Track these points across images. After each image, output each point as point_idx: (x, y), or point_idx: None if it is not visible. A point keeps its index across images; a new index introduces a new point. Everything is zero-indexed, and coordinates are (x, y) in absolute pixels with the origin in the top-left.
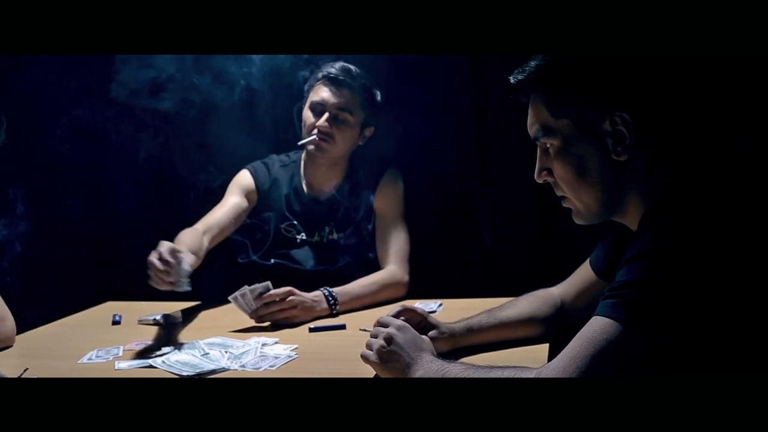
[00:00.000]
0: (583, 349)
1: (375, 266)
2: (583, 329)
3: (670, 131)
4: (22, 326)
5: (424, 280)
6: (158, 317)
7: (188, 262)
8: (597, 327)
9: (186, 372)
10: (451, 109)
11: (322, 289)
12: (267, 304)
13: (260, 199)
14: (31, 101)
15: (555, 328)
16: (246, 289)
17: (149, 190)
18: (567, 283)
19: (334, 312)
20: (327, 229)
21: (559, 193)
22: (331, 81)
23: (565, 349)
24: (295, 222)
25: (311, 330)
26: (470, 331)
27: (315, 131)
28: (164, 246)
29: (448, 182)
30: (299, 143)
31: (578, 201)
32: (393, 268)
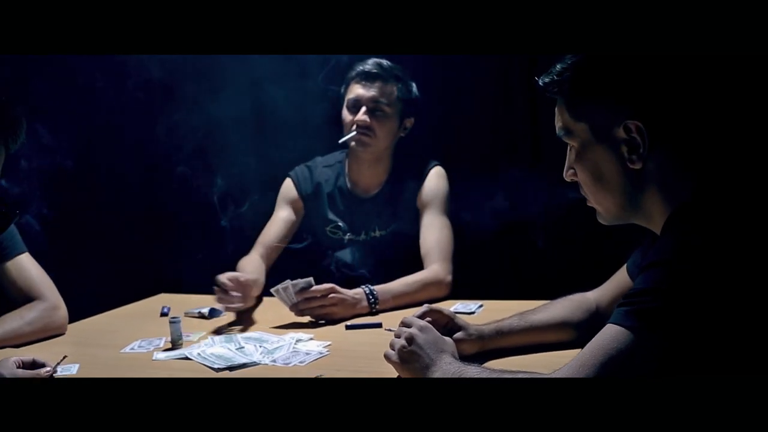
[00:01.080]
0: (593, 357)
1: (419, 264)
2: (596, 336)
3: (689, 137)
4: (79, 315)
5: (469, 280)
6: (204, 310)
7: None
8: (608, 335)
9: (218, 365)
10: (501, 104)
11: (363, 286)
12: (308, 299)
13: (306, 204)
14: (86, 95)
15: (588, 333)
16: (288, 283)
17: (206, 188)
18: (603, 288)
19: (374, 310)
20: (372, 227)
21: (583, 193)
22: (363, 77)
23: (576, 356)
24: (341, 224)
25: (347, 327)
26: (500, 333)
27: (354, 127)
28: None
29: (496, 179)
30: (340, 141)
31: (597, 204)
32: (435, 267)
